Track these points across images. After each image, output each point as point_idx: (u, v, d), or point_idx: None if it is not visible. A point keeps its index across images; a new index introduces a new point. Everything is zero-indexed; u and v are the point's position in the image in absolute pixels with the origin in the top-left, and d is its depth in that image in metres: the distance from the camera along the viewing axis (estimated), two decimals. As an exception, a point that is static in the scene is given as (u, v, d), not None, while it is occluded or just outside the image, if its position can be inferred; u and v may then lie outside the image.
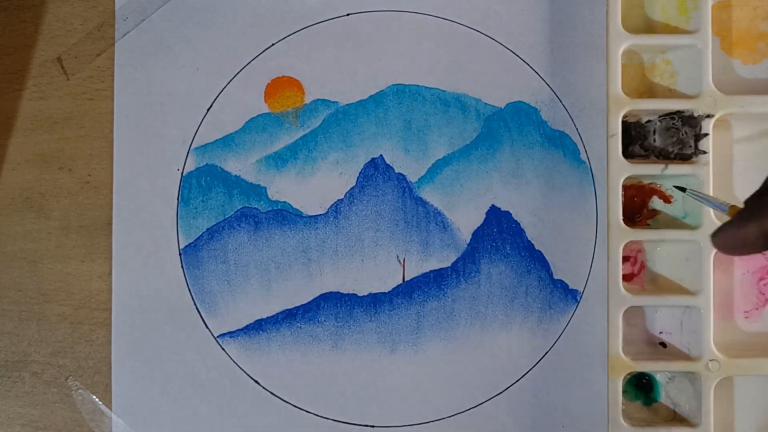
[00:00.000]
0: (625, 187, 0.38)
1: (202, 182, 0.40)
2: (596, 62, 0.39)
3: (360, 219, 0.40)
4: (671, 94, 0.39)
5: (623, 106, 0.37)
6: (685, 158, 0.38)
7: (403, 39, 0.40)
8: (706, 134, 0.37)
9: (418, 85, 0.40)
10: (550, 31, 0.39)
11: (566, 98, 0.39)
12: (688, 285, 0.39)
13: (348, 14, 0.40)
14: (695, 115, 0.38)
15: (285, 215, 0.40)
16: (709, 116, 0.37)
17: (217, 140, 0.40)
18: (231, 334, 0.40)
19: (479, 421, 0.39)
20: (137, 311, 0.40)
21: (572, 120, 0.39)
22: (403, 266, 0.39)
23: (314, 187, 0.40)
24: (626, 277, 0.39)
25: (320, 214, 0.40)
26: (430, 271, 0.39)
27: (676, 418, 0.39)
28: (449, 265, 0.39)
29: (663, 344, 0.40)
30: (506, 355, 0.39)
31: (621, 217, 0.37)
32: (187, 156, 0.40)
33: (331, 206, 0.40)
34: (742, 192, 0.39)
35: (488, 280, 0.39)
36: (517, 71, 0.39)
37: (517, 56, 0.39)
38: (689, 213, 0.39)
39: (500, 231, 0.39)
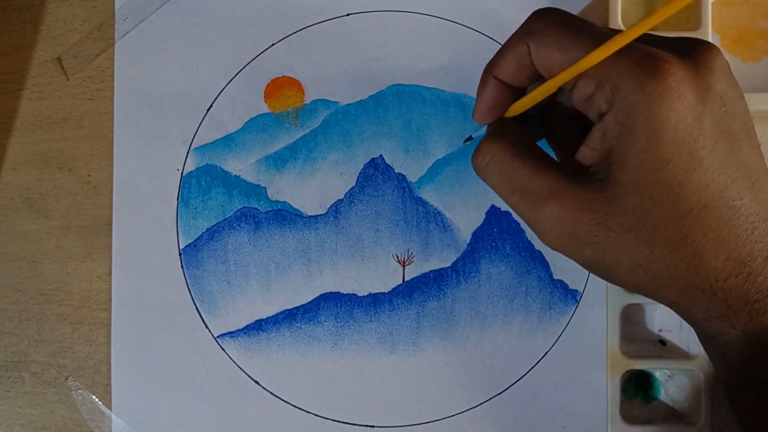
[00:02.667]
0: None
1: (202, 182, 0.40)
2: (596, 62, 0.39)
3: (360, 219, 0.40)
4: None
5: (623, 106, 0.37)
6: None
7: (403, 39, 0.40)
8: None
9: (418, 85, 0.40)
10: (550, 30, 0.39)
11: (566, 98, 0.39)
12: (688, 284, 0.39)
13: (348, 14, 0.40)
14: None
15: (285, 215, 0.40)
16: (708, 115, 0.37)
17: (217, 140, 0.40)
18: (231, 334, 0.40)
19: (479, 421, 0.39)
20: (137, 311, 0.40)
21: (572, 120, 0.39)
22: (404, 266, 0.39)
23: (314, 187, 0.40)
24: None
25: (320, 214, 0.40)
26: (430, 271, 0.39)
27: (675, 416, 0.40)
28: (449, 265, 0.39)
29: (662, 342, 0.40)
30: (506, 356, 0.39)
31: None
32: (187, 156, 0.40)
33: (331, 206, 0.40)
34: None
35: (488, 280, 0.39)
36: (517, 71, 0.39)
37: (517, 56, 0.39)
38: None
39: (500, 231, 0.39)
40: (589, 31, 0.27)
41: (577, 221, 0.27)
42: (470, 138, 0.37)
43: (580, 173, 0.28)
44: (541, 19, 0.29)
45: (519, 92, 0.31)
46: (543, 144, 0.34)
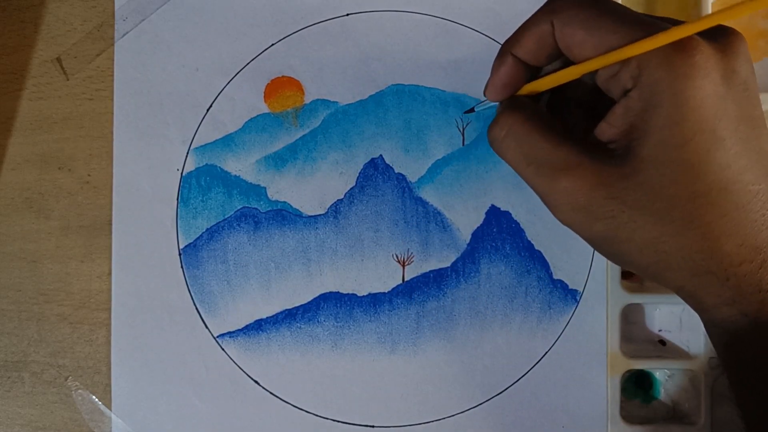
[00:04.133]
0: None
1: (201, 182, 0.40)
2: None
3: (360, 219, 0.40)
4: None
5: (623, 106, 0.37)
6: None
7: (403, 39, 0.40)
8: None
9: (418, 85, 0.40)
10: (550, 30, 0.39)
11: (566, 98, 0.39)
12: (688, 284, 0.39)
13: (347, 14, 0.40)
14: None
15: (285, 215, 0.40)
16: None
17: (216, 140, 0.40)
18: (231, 334, 0.40)
19: (479, 421, 0.39)
20: (137, 311, 0.40)
21: (571, 120, 0.39)
22: (403, 266, 0.39)
23: (314, 187, 0.40)
24: (626, 275, 0.39)
25: (320, 214, 0.40)
26: (430, 271, 0.39)
27: (675, 416, 0.40)
28: (449, 265, 0.39)
29: (662, 342, 0.40)
30: (506, 355, 0.39)
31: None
32: (186, 156, 0.40)
33: (330, 206, 0.40)
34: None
35: (488, 280, 0.39)
36: (517, 71, 0.39)
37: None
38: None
39: (500, 231, 0.39)
40: (614, 10, 0.27)
41: (592, 195, 0.27)
42: (472, 110, 0.37)
43: (597, 148, 0.28)
44: None
45: (535, 71, 0.31)
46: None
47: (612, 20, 0.27)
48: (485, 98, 0.33)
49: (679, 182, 0.26)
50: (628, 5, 0.39)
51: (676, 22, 0.27)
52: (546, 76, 0.30)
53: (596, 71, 0.28)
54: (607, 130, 0.28)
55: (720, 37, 0.27)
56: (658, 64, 0.26)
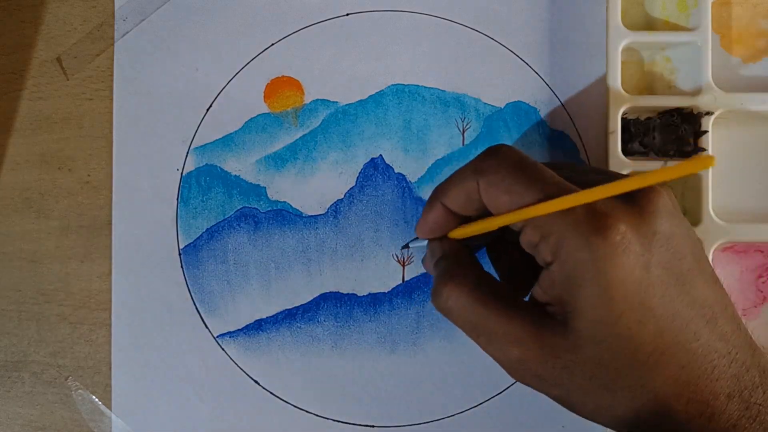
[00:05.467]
0: (624, 186, 0.38)
1: (201, 182, 0.40)
2: (596, 62, 0.39)
3: (360, 219, 0.40)
4: (671, 91, 0.39)
5: (623, 103, 0.37)
6: (684, 155, 0.38)
7: (403, 39, 0.40)
8: (706, 131, 0.37)
9: (418, 85, 0.40)
10: (550, 30, 0.39)
11: (566, 98, 0.39)
12: (688, 284, 0.39)
13: (347, 14, 0.40)
14: (695, 112, 0.38)
15: (284, 215, 0.40)
16: (708, 113, 0.37)
17: (216, 140, 0.40)
18: (231, 334, 0.40)
19: (479, 421, 0.39)
20: (137, 311, 0.40)
21: (571, 120, 0.39)
22: (404, 266, 0.39)
23: (314, 187, 0.40)
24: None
25: (320, 214, 0.40)
26: (430, 271, 0.39)
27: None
28: (449, 264, 0.39)
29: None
30: (506, 355, 0.39)
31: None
32: (186, 156, 0.40)
33: (330, 206, 0.40)
34: (740, 189, 0.39)
35: (488, 280, 0.39)
36: (517, 71, 0.39)
37: (517, 56, 0.39)
38: (688, 210, 0.39)
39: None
40: (538, 176, 0.28)
41: (543, 365, 0.28)
42: (407, 246, 0.39)
43: (539, 311, 0.28)
44: (492, 159, 0.29)
45: (466, 217, 0.32)
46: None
47: (535, 185, 0.27)
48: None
49: (619, 355, 0.26)
50: (626, 4, 0.39)
51: (615, 177, 0.28)
52: (472, 223, 0.31)
53: (519, 237, 0.29)
54: (541, 294, 0.28)
55: (635, 196, 0.27)
56: (576, 244, 0.26)
